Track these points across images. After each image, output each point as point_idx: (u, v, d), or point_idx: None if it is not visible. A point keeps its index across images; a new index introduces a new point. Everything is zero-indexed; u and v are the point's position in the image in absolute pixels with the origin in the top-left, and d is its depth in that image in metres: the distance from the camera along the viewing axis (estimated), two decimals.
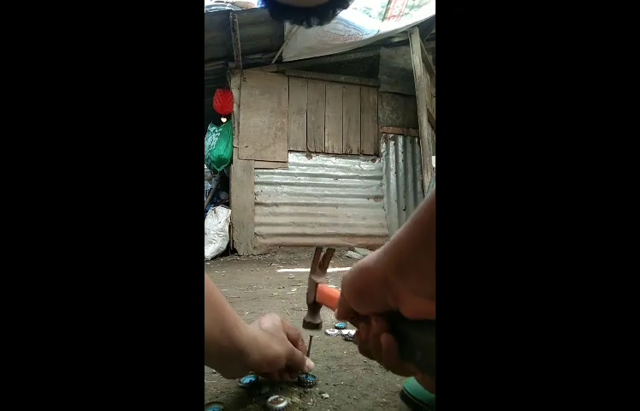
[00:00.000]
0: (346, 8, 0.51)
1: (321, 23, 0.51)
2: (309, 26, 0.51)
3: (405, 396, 0.48)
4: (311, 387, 0.57)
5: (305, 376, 0.57)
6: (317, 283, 0.54)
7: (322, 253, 0.56)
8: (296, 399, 0.53)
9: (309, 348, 0.58)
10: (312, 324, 0.56)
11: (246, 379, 0.56)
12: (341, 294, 0.34)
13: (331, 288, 0.53)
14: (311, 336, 0.58)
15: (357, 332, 0.35)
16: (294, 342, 0.56)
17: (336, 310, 0.37)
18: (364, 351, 0.34)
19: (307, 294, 0.56)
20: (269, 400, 0.52)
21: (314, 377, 0.58)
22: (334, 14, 0.50)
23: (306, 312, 0.58)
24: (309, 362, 0.57)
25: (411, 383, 0.48)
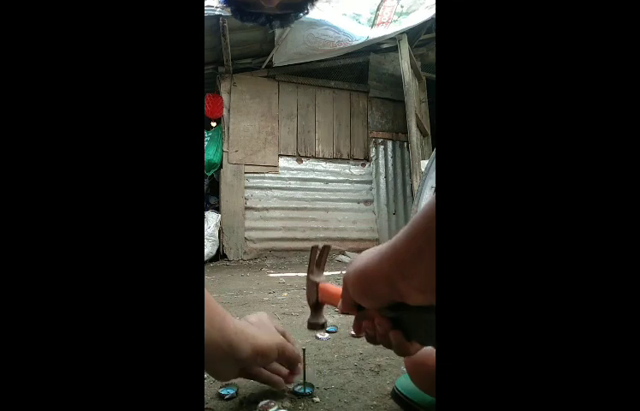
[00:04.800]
0: (306, 13, 0.54)
1: (282, 26, 0.54)
2: (271, 27, 0.54)
3: (396, 394, 0.48)
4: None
5: (302, 388, 0.55)
6: (318, 283, 0.53)
7: (318, 251, 0.56)
8: (287, 404, 0.53)
9: (304, 361, 0.56)
10: (317, 325, 0.54)
11: (226, 391, 0.56)
12: (345, 290, 0.35)
13: (332, 285, 0.52)
14: (303, 349, 0.56)
15: (356, 320, 0.36)
16: (282, 335, 0.54)
17: (340, 304, 0.38)
18: (371, 341, 0.35)
19: (307, 295, 0.55)
20: (260, 405, 0.52)
21: (311, 387, 0.56)
22: (295, 19, 0.53)
23: (304, 314, 0.58)
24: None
25: (402, 381, 0.48)
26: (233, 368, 0.49)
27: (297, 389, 0.55)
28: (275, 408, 0.51)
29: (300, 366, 0.54)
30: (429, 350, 0.41)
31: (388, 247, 0.29)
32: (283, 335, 0.55)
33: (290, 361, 0.53)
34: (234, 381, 0.61)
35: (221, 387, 0.57)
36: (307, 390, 0.54)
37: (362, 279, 0.32)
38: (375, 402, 0.53)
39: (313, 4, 0.55)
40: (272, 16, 0.52)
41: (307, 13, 0.54)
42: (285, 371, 0.54)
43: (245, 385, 0.59)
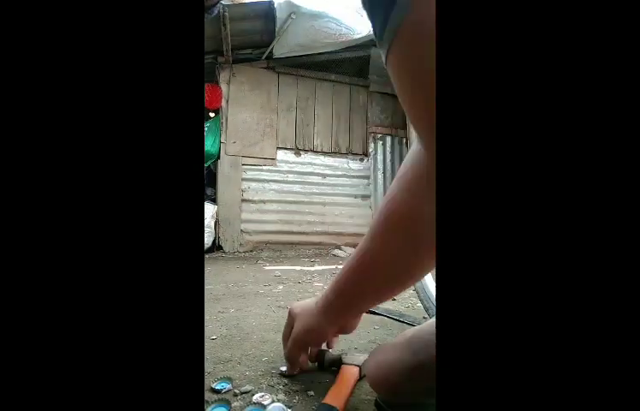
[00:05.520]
0: None
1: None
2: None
3: (378, 404, 0.49)
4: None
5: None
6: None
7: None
8: (281, 396, 0.53)
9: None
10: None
11: (221, 385, 0.56)
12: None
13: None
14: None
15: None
16: None
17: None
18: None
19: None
20: (255, 398, 0.52)
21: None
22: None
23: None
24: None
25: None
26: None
27: (282, 370, 0.61)
28: (270, 400, 0.51)
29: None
30: (380, 358, 0.43)
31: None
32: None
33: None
34: (227, 374, 0.61)
35: (214, 381, 0.57)
36: (283, 368, 0.61)
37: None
38: (368, 397, 0.54)
39: None
40: None
41: None
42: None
43: (240, 378, 0.59)
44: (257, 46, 3.48)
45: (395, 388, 0.43)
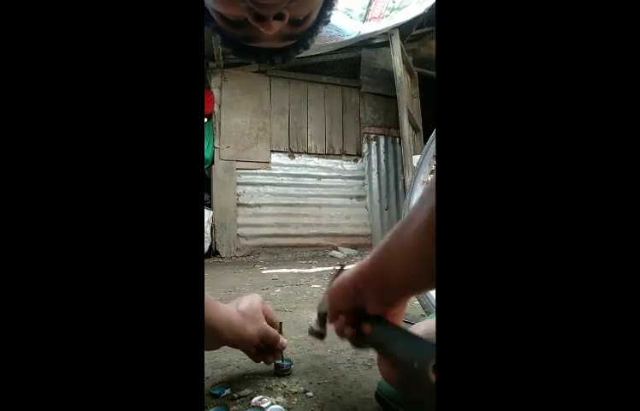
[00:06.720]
0: (307, 48, 0.54)
1: (283, 61, 0.56)
2: (272, 64, 0.58)
3: (378, 396, 0.50)
4: (287, 374, 0.61)
5: (280, 361, 0.62)
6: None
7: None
8: (280, 398, 0.53)
9: (280, 330, 0.63)
10: (319, 333, 0.54)
11: (219, 390, 0.56)
12: (330, 300, 0.45)
13: None
14: (280, 322, 0.63)
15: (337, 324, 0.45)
16: (272, 323, 0.60)
17: (329, 315, 0.47)
18: (339, 334, 0.45)
19: (320, 304, 0.55)
20: (253, 401, 0.52)
21: (289, 362, 0.63)
22: (295, 54, 0.54)
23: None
24: (282, 340, 0.61)
25: (383, 384, 0.49)
26: (214, 345, 0.56)
27: (277, 362, 0.62)
28: (269, 403, 0.51)
29: (283, 340, 0.61)
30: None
31: (359, 265, 0.40)
32: (270, 317, 0.61)
33: (271, 345, 0.60)
34: (226, 379, 0.61)
35: (213, 386, 0.57)
36: (285, 363, 0.62)
37: (337, 288, 0.43)
38: (367, 396, 0.54)
39: (313, 39, 0.53)
40: (272, 52, 0.52)
41: (307, 47, 0.53)
42: (266, 357, 0.61)
43: (238, 382, 0.59)
44: None
45: (398, 381, 0.45)
